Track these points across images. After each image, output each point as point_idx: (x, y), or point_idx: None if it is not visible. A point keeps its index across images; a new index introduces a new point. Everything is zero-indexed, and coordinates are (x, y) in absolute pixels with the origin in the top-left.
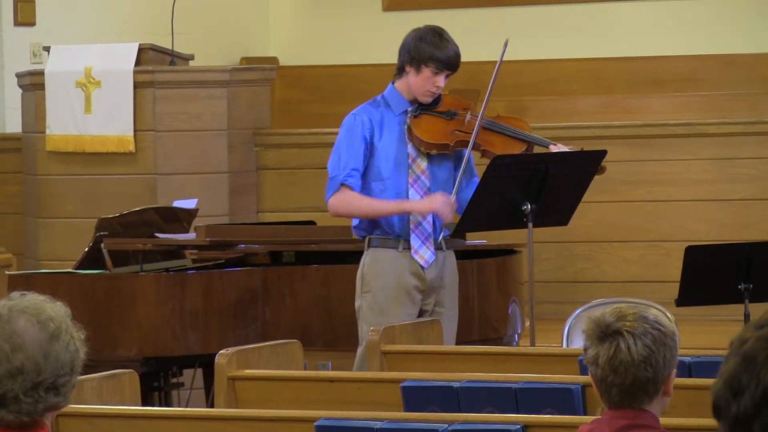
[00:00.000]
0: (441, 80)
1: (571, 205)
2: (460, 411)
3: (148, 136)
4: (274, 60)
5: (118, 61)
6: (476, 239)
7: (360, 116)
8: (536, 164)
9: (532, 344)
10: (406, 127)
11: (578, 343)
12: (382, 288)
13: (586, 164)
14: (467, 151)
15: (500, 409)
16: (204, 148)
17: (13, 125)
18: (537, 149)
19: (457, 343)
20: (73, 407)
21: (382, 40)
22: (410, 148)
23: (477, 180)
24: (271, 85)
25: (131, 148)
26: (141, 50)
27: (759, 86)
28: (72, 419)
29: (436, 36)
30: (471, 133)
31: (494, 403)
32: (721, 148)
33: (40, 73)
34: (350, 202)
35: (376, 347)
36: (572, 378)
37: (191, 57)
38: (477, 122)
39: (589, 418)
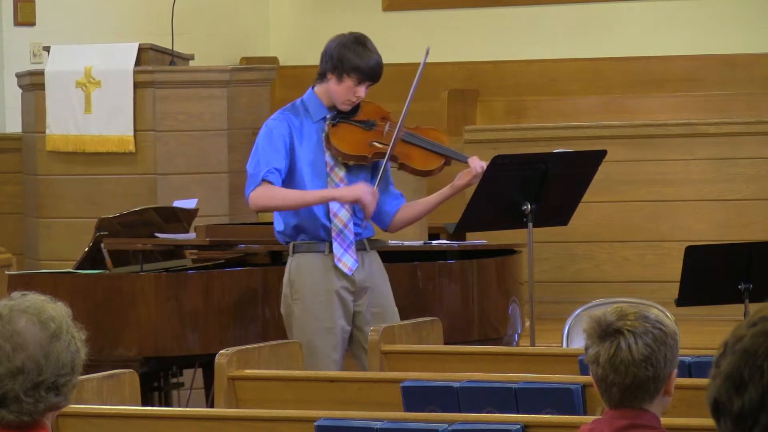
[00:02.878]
0: (362, 90)
1: (571, 205)
2: (460, 411)
3: (148, 136)
4: (274, 60)
5: (118, 61)
6: (476, 239)
7: (280, 121)
8: (536, 164)
9: (532, 344)
10: (324, 135)
11: (578, 343)
12: (313, 293)
13: (586, 164)
14: (384, 162)
15: (500, 409)
16: (204, 148)
17: (13, 125)
18: (455, 163)
19: (457, 343)
20: (73, 407)
21: (382, 40)
22: (328, 157)
23: (394, 190)
24: (271, 85)
25: (131, 148)
26: (141, 50)
27: (759, 86)
28: (72, 419)
29: (359, 45)
30: (389, 145)
31: (494, 403)
32: (720, 148)
33: (40, 73)
34: (273, 195)
35: (376, 347)
36: (572, 378)
37: (191, 57)
38: (394, 135)
39: (589, 418)
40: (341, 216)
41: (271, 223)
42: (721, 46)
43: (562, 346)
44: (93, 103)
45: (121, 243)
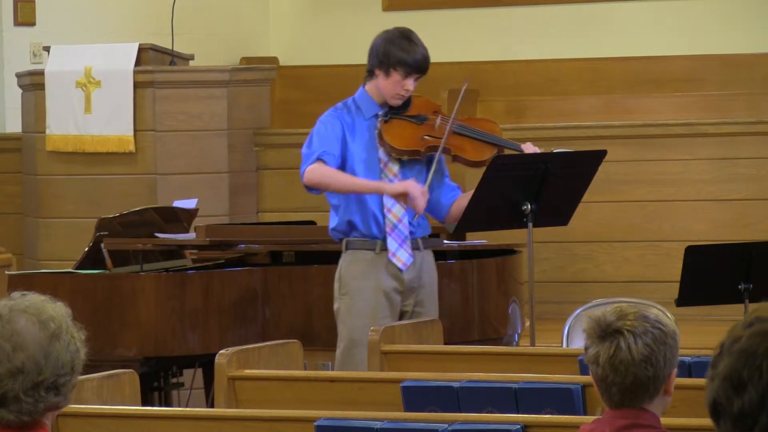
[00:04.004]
0: (410, 83)
1: (571, 205)
2: (460, 411)
3: (148, 136)
4: (274, 60)
5: (118, 61)
6: (476, 239)
7: (333, 119)
8: (536, 164)
9: (532, 344)
10: (376, 132)
11: (578, 343)
12: (361, 290)
13: (586, 164)
14: (437, 155)
15: (500, 409)
16: (204, 148)
17: (13, 125)
18: (508, 152)
19: (457, 343)
20: (73, 407)
21: None
22: (381, 153)
23: (449, 182)
24: (271, 85)
25: (131, 148)
26: (141, 50)
27: (759, 86)
28: (72, 419)
29: (404, 39)
30: (441, 138)
31: (494, 403)
32: (720, 148)
33: (40, 73)
34: (326, 172)
35: (376, 347)
36: (572, 378)
37: (191, 57)
38: (447, 127)
39: (589, 418)
40: (395, 211)
41: (271, 224)
42: (721, 46)
43: (562, 346)
44: (93, 103)
45: (121, 243)
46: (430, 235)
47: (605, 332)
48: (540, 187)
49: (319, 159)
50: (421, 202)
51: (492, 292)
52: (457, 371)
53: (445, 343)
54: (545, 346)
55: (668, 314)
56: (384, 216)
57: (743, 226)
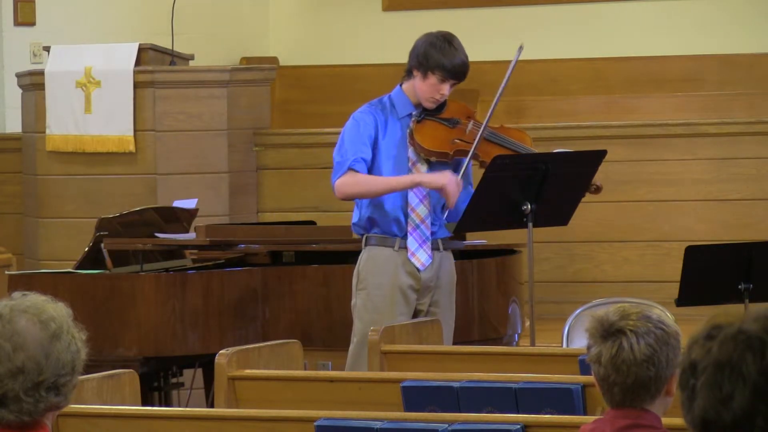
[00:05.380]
0: (446, 88)
1: (571, 205)
2: (460, 411)
3: (148, 136)
4: (274, 60)
5: (118, 61)
6: (476, 239)
7: (367, 114)
8: (536, 164)
9: (532, 344)
10: (408, 131)
11: (578, 343)
12: (377, 286)
13: (586, 164)
14: (466, 160)
15: (500, 409)
16: (204, 148)
17: (13, 125)
18: None
19: (457, 343)
20: (73, 407)
21: (382, 40)
22: (411, 152)
23: (471, 189)
24: (271, 85)
25: (131, 148)
26: (141, 50)
27: (759, 86)
28: (72, 419)
29: (446, 43)
30: (472, 143)
31: (494, 403)
32: (720, 148)
33: (40, 73)
34: (358, 181)
35: (376, 347)
36: (572, 378)
37: (191, 57)
38: (479, 133)
39: (589, 418)
40: (419, 211)
41: (271, 224)
42: (721, 46)
43: (562, 346)
44: (93, 103)
45: (121, 243)
46: (452, 237)
47: (608, 332)
48: (540, 187)
49: (350, 169)
50: (455, 195)
51: (492, 292)
52: (457, 371)
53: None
54: (545, 346)
55: (669, 314)
56: (407, 216)
57: (743, 226)
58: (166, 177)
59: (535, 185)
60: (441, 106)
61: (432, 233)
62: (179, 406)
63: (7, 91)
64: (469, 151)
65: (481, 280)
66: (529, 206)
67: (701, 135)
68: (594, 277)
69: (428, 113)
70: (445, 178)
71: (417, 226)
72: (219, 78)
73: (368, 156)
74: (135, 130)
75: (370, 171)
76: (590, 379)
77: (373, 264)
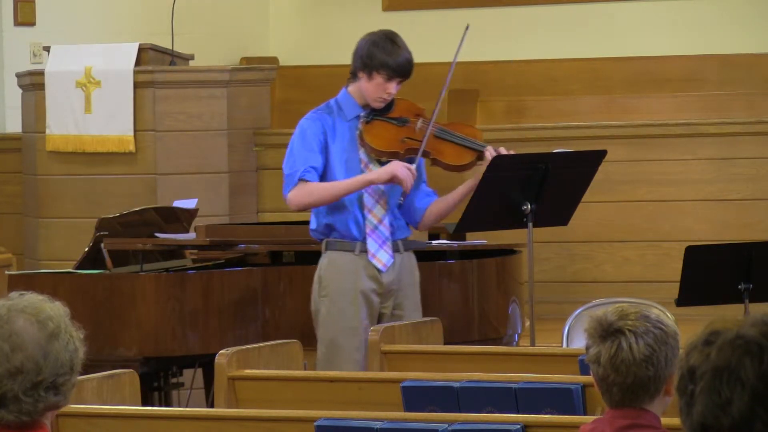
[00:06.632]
0: (392, 87)
1: (571, 205)
2: (460, 411)
3: (148, 136)
4: (274, 60)
5: (118, 61)
6: (476, 239)
7: (313, 122)
8: (536, 164)
9: (532, 344)
10: (357, 133)
11: (578, 343)
12: (341, 291)
13: (586, 164)
14: (417, 158)
15: (500, 409)
16: (204, 148)
17: (13, 125)
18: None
19: (457, 343)
20: (73, 407)
21: None
22: (362, 154)
23: (425, 187)
24: (271, 85)
25: (131, 148)
26: (141, 50)
27: (758, 86)
28: (72, 419)
29: (388, 42)
30: (421, 141)
31: (494, 403)
32: (720, 148)
33: (40, 73)
34: (310, 191)
35: (376, 347)
36: (572, 378)
37: (191, 57)
38: (427, 131)
39: (589, 418)
40: (375, 212)
41: (271, 224)
42: (721, 46)
43: (562, 346)
44: (93, 103)
45: (121, 243)
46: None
47: (607, 332)
48: (540, 187)
49: (301, 179)
50: (408, 180)
51: (492, 292)
52: (457, 371)
53: (445, 343)
54: (545, 346)
55: (668, 314)
56: (365, 217)
57: (743, 226)
58: (166, 177)
59: (535, 185)
60: (389, 106)
61: (391, 233)
62: (179, 406)
63: (7, 91)
64: (419, 150)
65: (481, 280)
66: (529, 206)
67: (701, 135)
68: (594, 277)
69: (376, 113)
70: (392, 167)
71: (375, 227)
72: (219, 78)
73: (318, 163)
74: (135, 130)
75: (323, 176)
76: (590, 379)
77: (335, 269)
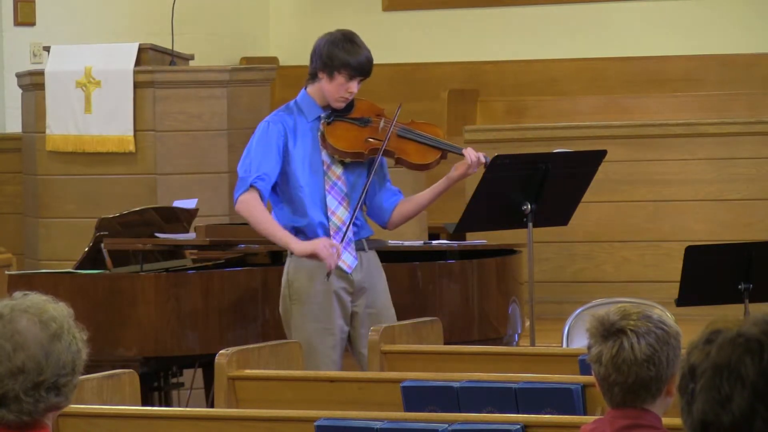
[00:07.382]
0: (354, 86)
1: (571, 205)
2: (460, 411)
3: (148, 136)
4: (274, 60)
5: (118, 61)
6: (476, 239)
7: (274, 124)
8: (536, 164)
9: (532, 344)
10: (319, 134)
11: (578, 343)
12: (312, 295)
13: (586, 164)
14: (377, 158)
15: (500, 409)
16: (204, 148)
17: (13, 125)
18: (453, 156)
19: (457, 343)
20: (73, 407)
21: (382, 40)
22: (324, 155)
23: (390, 186)
24: (271, 85)
25: (131, 148)
26: (141, 50)
27: (758, 86)
28: (72, 419)
29: (348, 42)
30: (383, 141)
31: (494, 403)
32: (720, 148)
33: (40, 73)
34: (253, 210)
35: (376, 347)
36: (572, 378)
37: (191, 57)
38: (389, 130)
39: (589, 418)
40: (339, 214)
41: None
42: (721, 46)
43: (562, 346)
44: (93, 103)
45: (121, 243)
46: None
47: (608, 332)
48: (540, 187)
49: (252, 186)
50: (330, 260)
51: (492, 292)
52: (457, 371)
53: (445, 343)
54: (545, 346)
55: (669, 314)
56: (328, 219)
57: (743, 226)
58: (166, 177)
59: (535, 185)
60: (349, 107)
61: (354, 233)
62: (179, 406)
63: (7, 91)
64: (382, 149)
65: (481, 280)
66: (529, 206)
67: (701, 135)
68: (594, 277)
69: (337, 114)
70: (314, 245)
71: (339, 229)
72: (219, 78)
73: (273, 170)
74: (135, 130)
75: (285, 179)
76: (590, 379)
77: (304, 272)
